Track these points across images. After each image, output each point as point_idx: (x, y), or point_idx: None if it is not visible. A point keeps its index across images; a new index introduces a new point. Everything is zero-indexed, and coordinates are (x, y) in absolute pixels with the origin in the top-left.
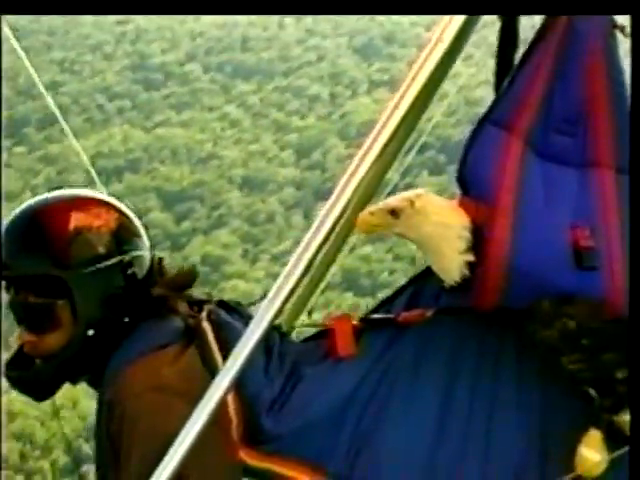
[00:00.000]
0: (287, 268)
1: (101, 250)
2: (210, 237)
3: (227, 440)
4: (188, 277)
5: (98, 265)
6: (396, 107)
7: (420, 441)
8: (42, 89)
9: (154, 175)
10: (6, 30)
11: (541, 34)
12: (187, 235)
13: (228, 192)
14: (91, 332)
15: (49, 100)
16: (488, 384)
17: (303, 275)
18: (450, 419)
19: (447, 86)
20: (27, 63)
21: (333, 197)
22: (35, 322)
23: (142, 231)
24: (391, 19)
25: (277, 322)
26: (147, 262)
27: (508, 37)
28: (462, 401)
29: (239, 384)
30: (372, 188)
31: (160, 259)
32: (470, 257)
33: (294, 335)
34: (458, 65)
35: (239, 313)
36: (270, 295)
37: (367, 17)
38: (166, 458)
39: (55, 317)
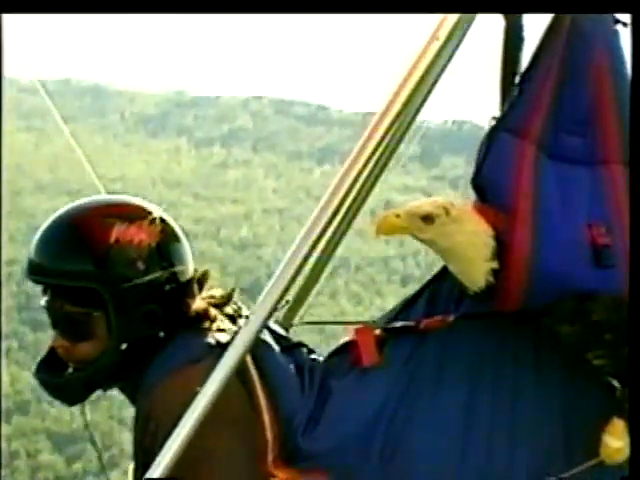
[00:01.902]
0: (281, 266)
1: (140, 265)
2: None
3: (261, 459)
4: (227, 294)
5: (136, 280)
6: (391, 105)
7: (448, 444)
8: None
9: (44, 416)
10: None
11: (546, 37)
12: (79, 477)
13: (119, 432)
14: (124, 346)
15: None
16: (509, 384)
17: (297, 272)
18: (475, 421)
19: None
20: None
21: (327, 195)
22: (69, 330)
23: (185, 243)
24: (276, 257)
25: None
26: (188, 276)
27: (513, 37)
28: (485, 402)
29: (275, 404)
30: (368, 185)
31: (204, 272)
32: (495, 264)
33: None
34: None
35: (269, 329)
36: (266, 290)
37: (254, 256)
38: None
39: (90, 327)
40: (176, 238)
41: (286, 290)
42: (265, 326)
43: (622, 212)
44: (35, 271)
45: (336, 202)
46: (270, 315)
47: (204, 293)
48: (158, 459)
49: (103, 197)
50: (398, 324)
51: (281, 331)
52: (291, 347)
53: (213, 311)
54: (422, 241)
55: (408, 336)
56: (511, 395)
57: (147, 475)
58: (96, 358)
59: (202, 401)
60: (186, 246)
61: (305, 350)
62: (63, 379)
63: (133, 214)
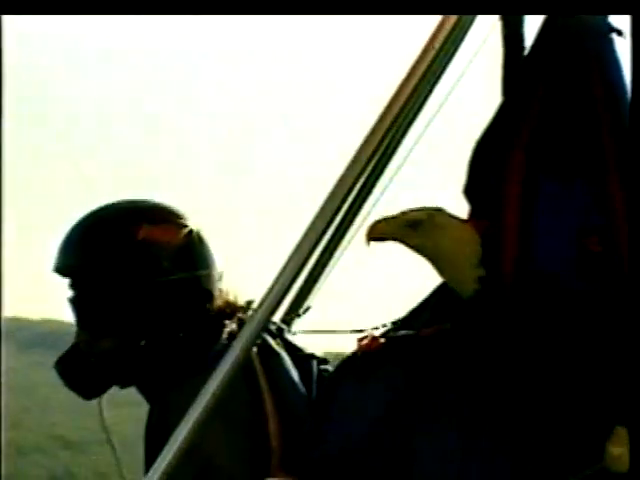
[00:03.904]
0: (279, 272)
1: (164, 265)
2: None
3: (265, 466)
4: (247, 302)
5: (159, 279)
6: (387, 112)
7: (450, 446)
8: None
9: None
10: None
11: (534, 48)
12: None
13: None
14: (143, 342)
15: None
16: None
17: (301, 268)
18: (476, 423)
19: None
20: None
21: (328, 196)
22: (92, 324)
23: (211, 250)
24: None
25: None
26: (211, 280)
27: (513, 40)
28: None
29: (283, 413)
30: (361, 198)
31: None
32: (481, 272)
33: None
34: None
35: (282, 340)
36: (267, 289)
37: None
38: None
39: (110, 322)
40: (203, 243)
41: (289, 286)
42: (267, 324)
43: (616, 217)
44: (62, 266)
45: (337, 201)
46: (272, 314)
47: (227, 298)
48: (158, 461)
49: (133, 199)
50: (401, 333)
51: (295, 341)
52: (302, 358)
53: (233, 317)
54: (411, 248)
55: (409, 344)
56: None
57: (146, 477)
58: (114, 352)
59: (203, 400)
60: (212, 252)
61: (315, 361)
62: (80, 371)
63: (162, 215)
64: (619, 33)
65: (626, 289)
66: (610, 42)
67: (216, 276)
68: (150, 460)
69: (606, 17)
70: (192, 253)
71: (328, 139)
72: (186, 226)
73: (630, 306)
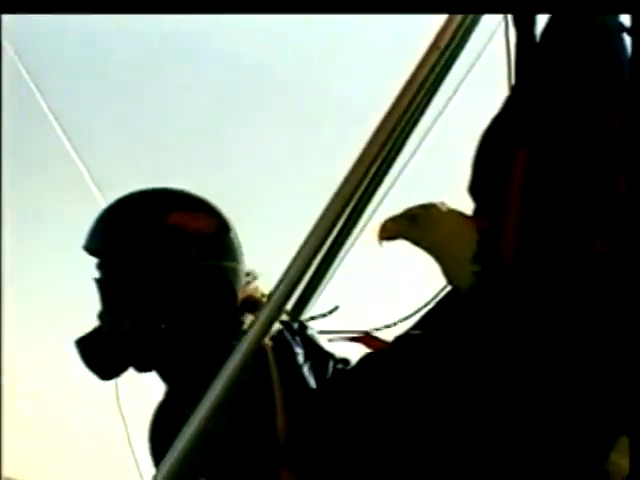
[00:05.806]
0: (289, 265)
1: (191, 252)
2: None
3: (270, 460)
4: (262, 298)
5: (185, 265)
6: (391, 114)
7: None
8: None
9: None
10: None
11: (543, 43)
12: None
13: None
14: (163, 326)
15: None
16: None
17: (305, 270)
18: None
19: None
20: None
21: (334, 193)
22: (114, 305)
23: (239, 244)
24: None
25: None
26: (237, 273)
27: (525, 38)
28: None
29: (291, 410)
30: (365, 200)
31: (253, 273)
32: (476, 267)
33: None
34: None
35: (302, 337)
36: (272, 289)
37: None
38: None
39: (133, 304)
40: (232, 236)
41: (299, 279)
42: (277, 317)
43: (622, 217)
44: (91, 246)
45: (344, 196)
46: (281, 307)
47: (250, 292)
48: (170, 452)
49: (168, 187)
50: (412, 333)
51: (317, 340)
52: (320, 357)
53: (254, 311)
54: (412, 243)
55: (417, 343)
56: None
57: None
58: (135, 333)
59: (215, 390)
60: (241, 247)
61: (332, 361)
62: (100, 352)
63: (194, 204)
64: (628, 32)
65: (627, 289)
66: (621, 40)
67: (242, 270)
68: (159, 443)
69: (617, 16)
70: (220, 244)
71: (328, 140)
72: (218, 217)
73: (631, 306)
